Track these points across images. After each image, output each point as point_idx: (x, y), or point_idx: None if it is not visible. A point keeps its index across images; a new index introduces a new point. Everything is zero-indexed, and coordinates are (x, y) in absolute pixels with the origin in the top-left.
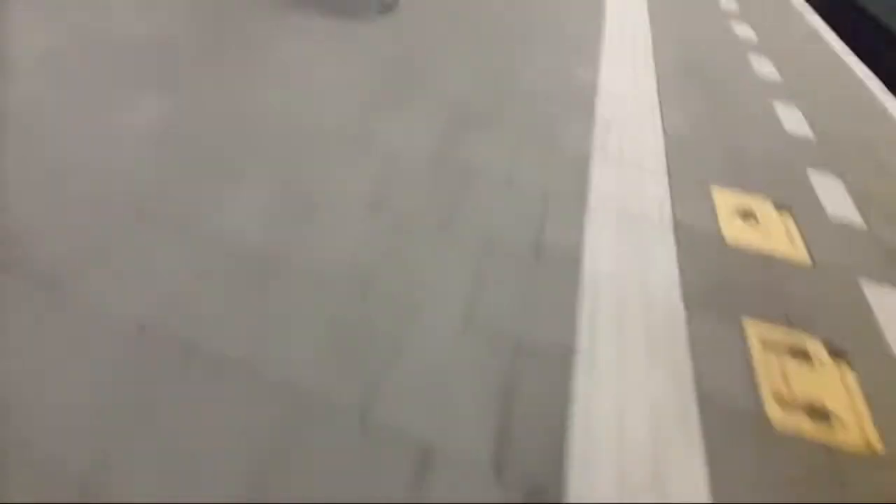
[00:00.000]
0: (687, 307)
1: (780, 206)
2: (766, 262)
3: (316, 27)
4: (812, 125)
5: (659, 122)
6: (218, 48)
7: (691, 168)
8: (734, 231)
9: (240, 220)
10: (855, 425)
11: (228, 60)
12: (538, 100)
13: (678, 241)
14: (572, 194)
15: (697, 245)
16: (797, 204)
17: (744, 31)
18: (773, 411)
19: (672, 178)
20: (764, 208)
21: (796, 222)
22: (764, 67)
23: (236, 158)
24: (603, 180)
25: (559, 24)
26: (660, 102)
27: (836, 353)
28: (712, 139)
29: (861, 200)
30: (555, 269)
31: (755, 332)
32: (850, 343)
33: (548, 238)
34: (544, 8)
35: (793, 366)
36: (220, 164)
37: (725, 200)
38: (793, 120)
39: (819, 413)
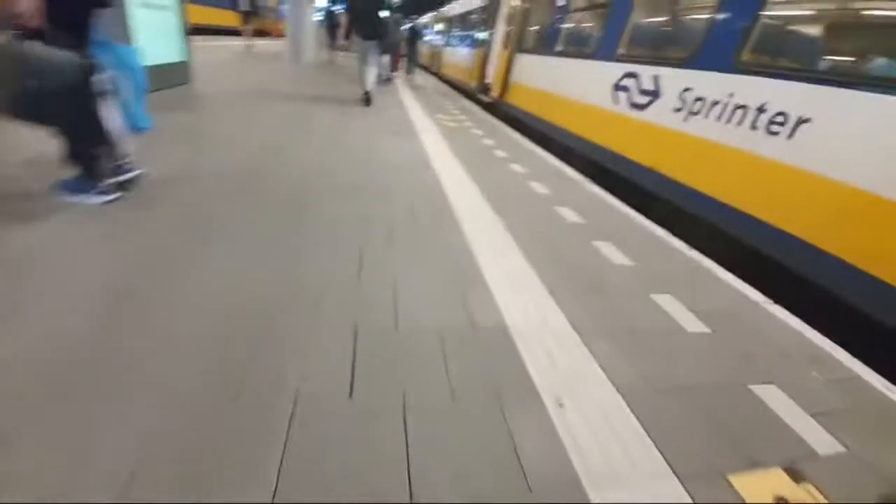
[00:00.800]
0: None
1: (795, 476)
2: None
3: None
4: (699, 316)
5: (603, 375)
6: None
7: (685, 448)
8: None
9: None
10: None
11: None
12: (465, 379)
13: None
14: None
15: None
16: (797, 459)
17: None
18: None
19: (680, 474)
20: (790, 490)
21: (821, 491)
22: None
23: None
24: None
25: (420, 235)
26: (581, 339)
27: None
28: (663, 385)
29: (824, 415)
30: None
31: None
32: None
33: None
34: (392, 214)
35: None
36: None
37: (754, 496)
38: (687, 319)
39: None
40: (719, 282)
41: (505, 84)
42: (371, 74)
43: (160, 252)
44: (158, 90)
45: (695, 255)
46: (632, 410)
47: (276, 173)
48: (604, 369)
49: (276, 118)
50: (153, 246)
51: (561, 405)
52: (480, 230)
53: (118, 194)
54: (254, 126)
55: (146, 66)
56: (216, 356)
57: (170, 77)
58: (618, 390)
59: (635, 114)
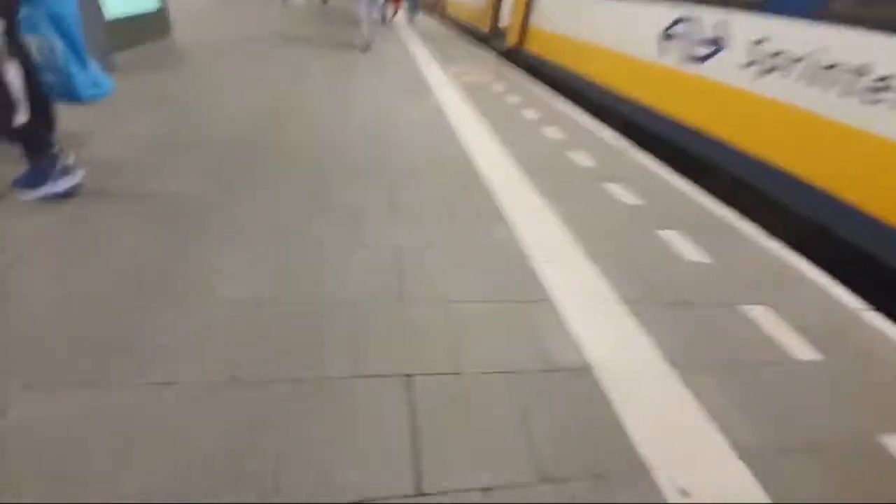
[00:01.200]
0: None
1: None
2: None
3: None
4: (802, 331)
5: (719, 435)
6: None
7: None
8: None
9: None
10: None
11: None
12: (553, 450)
13: None
14: None
15: None
16: None
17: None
18: None
19: None
20: None
21: None
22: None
23: None
24: None
25: (461, 231)
26: (680, 378)
27: None
28: (787, 443)
29: None
30: None
31: None
32: None
33: None
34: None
35: None
36: None
37: None
38: (792, 342)
39: None
40: (811, 285)
41: (524, 29)
42: (372, 16)
43: (134, 268)
44: (131, 47)
45: (776, 247)
46: (764, 490)
47: (272, 148)
48: (718, 426)
49: (266, 74)
50: (120, 262)
51: (685, 493)
52: (528, 222)
53: (75, 182)
54: (241, 85)
55: (112, 20)
56: (212, 444)
57: (144, 31)
58: (740, 457)
59: (691, 68)
